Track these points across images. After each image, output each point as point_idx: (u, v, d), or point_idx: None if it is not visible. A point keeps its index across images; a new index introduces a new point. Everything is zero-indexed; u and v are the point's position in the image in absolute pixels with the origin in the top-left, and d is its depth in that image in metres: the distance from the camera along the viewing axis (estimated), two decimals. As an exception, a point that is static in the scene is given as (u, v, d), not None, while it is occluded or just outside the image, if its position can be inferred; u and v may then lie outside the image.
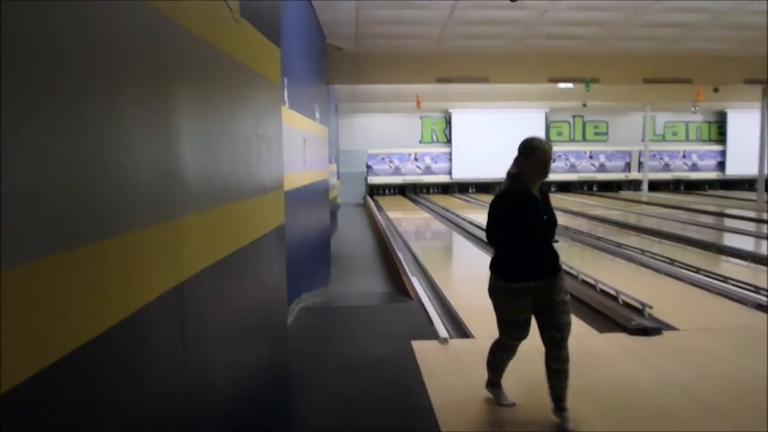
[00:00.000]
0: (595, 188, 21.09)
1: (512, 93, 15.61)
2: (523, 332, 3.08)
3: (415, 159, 20.40)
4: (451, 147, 20.27)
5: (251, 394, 2.25)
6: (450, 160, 20.28)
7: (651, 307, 5.35)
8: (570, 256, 9.00)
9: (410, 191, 20.25)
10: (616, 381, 3.93)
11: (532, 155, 3.04)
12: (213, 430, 1.76)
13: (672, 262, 7.80)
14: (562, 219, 13.11)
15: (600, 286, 6.27)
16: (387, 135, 20.19)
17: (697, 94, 13.16)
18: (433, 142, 20.45)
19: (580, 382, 3.88)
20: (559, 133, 20.95)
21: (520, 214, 2.99)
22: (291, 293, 5.27)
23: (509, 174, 3.12)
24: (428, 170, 20.44)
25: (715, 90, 14.29)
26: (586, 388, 3.73)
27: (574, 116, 20.94)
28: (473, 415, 3.39)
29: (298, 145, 5.40)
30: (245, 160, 2.11)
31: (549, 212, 3.13)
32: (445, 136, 20.39)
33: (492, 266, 3.13)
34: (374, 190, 20.03)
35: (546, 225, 3.10)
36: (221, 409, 1.86)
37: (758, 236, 11.34)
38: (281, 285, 2.87)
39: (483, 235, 11.39)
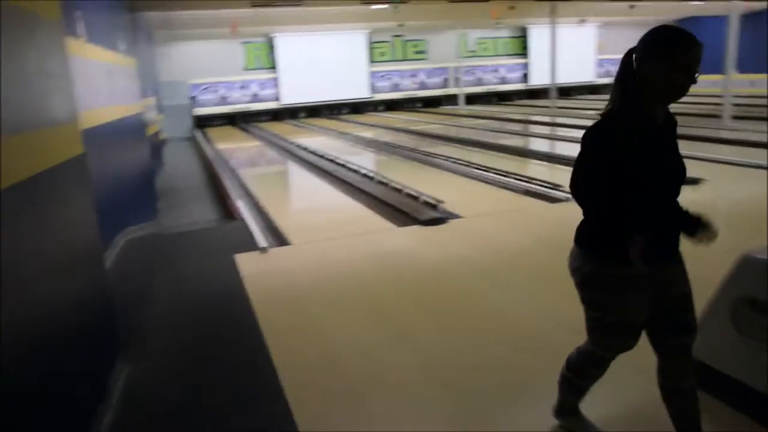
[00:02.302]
0: (418, 105, 22.42)
1: (333, 15, 15.85)
2: (637, 339, 2.07)
3: (242, 87, 20.06)
4: (277, 72, 20.18)
5: (68, 327, 2.41)
6: (277, 85, 20.24)
7: (443, 202, 6.29)
8: (388, 167, 9.87)
9: (240, 120, 20.00)
10: (413, 260, 4.80)
11: (673, 58, 1.83)
12: (28, 375, 1.95)
13: (468, 164, 8.94)
14: (387, 136, 14.15)
15: (405, 190, 7.12)
16: (210, 63, 19.51)
17: (491, 12, 14.39)
18: (258, 68, 20.18)
19: (387, 268, 4.67)
20: (382, 54, 21.72)
21: (643, 157, 1.87)
22: (111, 228, 5.40)
23: (621, 89, 1.92)
24: (256, 98, 20.25)
25: (511, 8, 15.76)
26: (393, 273, 4.53)
27: (394, 36, 21.75)
28: (291, 312, 3.97)
29: (99, 80, 5.36)
30: (22, 96, 2.25)
31: (676, 152, 1.98)
32: (270, 61, 20.19)
33: (586, 240, 2.03)
34: (202, 122, 19.48)
35: (676, 173, 1.96)
36: (35, 349, 2.01)
37: (550, 138, 13.13)
38: (88, 218, 3.02)
39: (314, 159, 11.83)
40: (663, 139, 1.95)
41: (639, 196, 1.89)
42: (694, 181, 6.90)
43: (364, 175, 8.61)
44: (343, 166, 9.68)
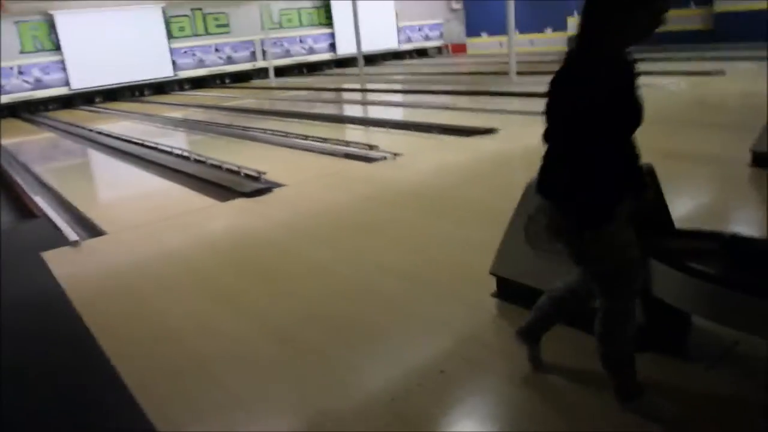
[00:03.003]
0: (227, 81, 21.65)
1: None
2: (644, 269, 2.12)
3: (20, 73, 17.69)
4: (62, 55, 18.09)
5: None
6: (64, 69, 18.17)
7: (265, 173, 6.28)
8: (204, 145, 9.52)
9: (23, 110, 17.68)
10: (239, 232, 4.76)
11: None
12: None
13: (286, 135, 8.98)
14: (198, 114, 13.55)
15: (225, 165, 6.97)
16: (-24, 48, 16.88)
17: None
18: (38, 50, 17.90)
19: (214, 243, 4.58)
20: (181, 29, 20.50)
21: (630, 98, 1.83)
22: None
23: (596, 29, 1.80)
24: (40, 84, 18.01)
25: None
26: (220, 246, 4.45)
27: (193, 9, 20.64)
28: (118, 301, 3.75)
29: None
30: None
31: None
32: (52, 42, 18.02)
33: (579, 191, 1.88)
34: (-25, 116, 16.88)
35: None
36: None
37: (362, 103, 13.56)
38: None
39: (120, 144, 10.92)
40: (635, 76, 1.87)
41: (627, 139, 1.89)
42: (490, 131, 7.68)
43: (179, 156, 8.23)
44: (154, 148, 9.13)
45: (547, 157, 1.96)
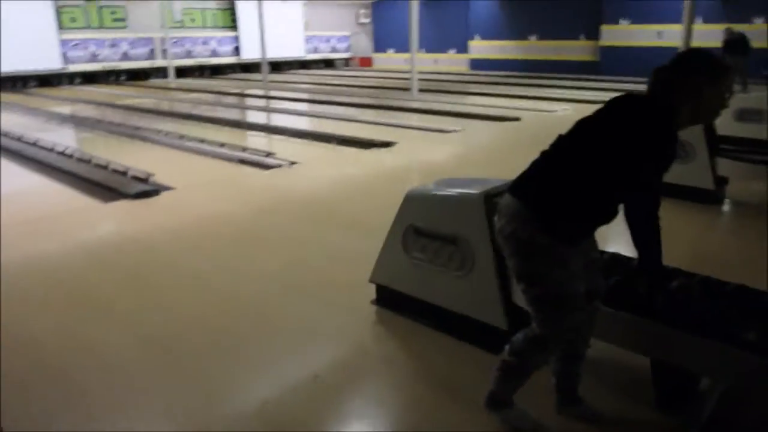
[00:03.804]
0: (123, 77, 20.60)
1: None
2: (584, 312, 2.03)
3: None
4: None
5: None
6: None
7: (153, 175, 6.05)
8: (91, 144, 9.01)
9: None
10: (118, 235, 4.55)
11: (721, 81, 1.86)
12: None
13: (181, 137, 8.70)
14: (88, 111, 12.77)
15: (111, 165, 6.64)
16: None
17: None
18: None
19: (92, 247, 4.34)
20: (73, 19, 19.28)
21: (664, 171, 1.87)
22: None
23: (673, 101, 1.86)
24: None
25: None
26: (98, 250, 4.23)
27: (87, 0, 19.50)
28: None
29: None
30: None
31: None
32: None
33: (562, 203, 1.89)
34: None
35: None
36: None
37: (264, 110, 13.37)
38: None
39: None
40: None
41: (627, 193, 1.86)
42: (388, 144, 7.86)
43: (62, 153, 7.73)
44: (34, 144, 8.52)
45: (539, 167, 1.96)
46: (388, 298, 3.10)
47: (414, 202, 2.86)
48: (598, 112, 1.90)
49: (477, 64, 22.46)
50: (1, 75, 17.78)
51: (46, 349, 2.85)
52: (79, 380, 2.58)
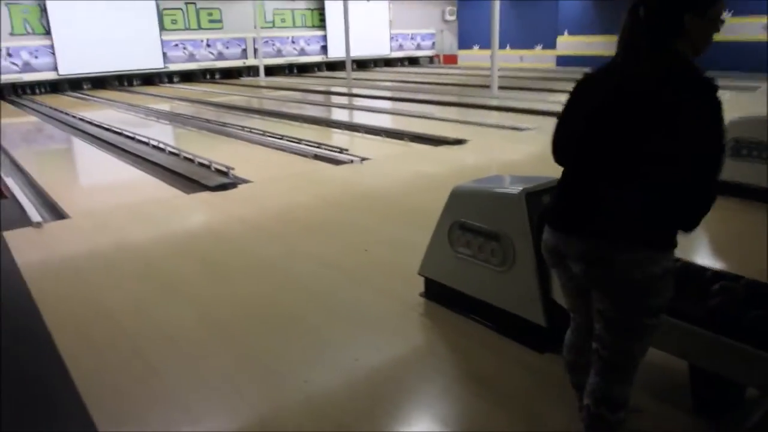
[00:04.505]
0: (217, 76, 21.77)
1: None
2: None
3: (9, 55, 17.69)
4: (52, 39, 18.12)
5: None
6: (53, 53, 18.20)
7: (233, 169, 6.43)
8: (182, 139, 9.66)
9: (10, 93, 17.68)
10: (197, 223, 4.93)
11: (712, 8, 1.59)
12: None
13: (263, 133, 9.14)
14: (183, 108, 13.64)
15: (197, 159, 7.11)
16: (-36, 27, 16.87)
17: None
18: (28, 33, 17.92)
19: (171, 234, 4.74)
20: (174, 21, 20.61)
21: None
22: None
23: (671, 50, 1.59)
24: (28, 67, 18.01)
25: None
26: (176, 237, 4.61)
27: (187, 3, 20.75)
28: (68, 283, 3.89)
29: None
30: None
31: None
32: (42, 26, 18.06)
33: (655, 230, 1.60)
34: (-39, 96, 16.86)
35: None
36: None
37: (348, 107, 13.73)
38: None
39: (99, 132, 11.05)
40: None
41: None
42: (460, 141, 7.89)
43: (155, 147, 8.35)
44: (132, 138, 9.25)
45: (591, 190, 1.66)
46: (435, 291, 3.19)
47: (459, 199, 2.94)
48: (610, 105, 1.62)
49: (564, 60, 21.82)
50: (110, 74, 19.29)
51: (121, 326, 3.16)
52: (152, 359, 2.83)
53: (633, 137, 1.57)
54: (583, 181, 1.70)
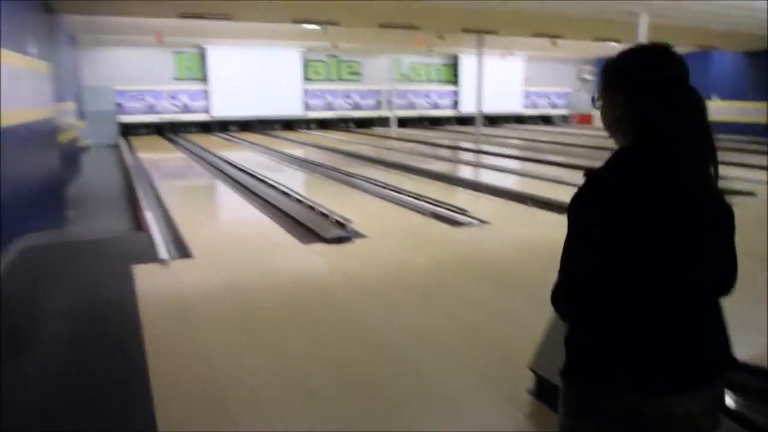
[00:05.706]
0: (351, 125, 22.70)
1: (265, 31, 15.87)
2: None
3: (171, 96, 19.71)
4: (208, 84, 19.97)
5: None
6: (207, 97, 20.03)
7: (351, 222, 6.45)
8: (308, 185, 9.99)
9: (168, 130, 19.62)
10: (306, 275, 4.95)
11: (686, 104, 1.37)
12: None
13: (385, 186, 9.18)
14: (315, 154, 14.27)
15: (318, 208, 7.25)
16: (138, 71, 19.11)
17: (415, 40, 14.93)
18: (189, 78, 19.92)
19: (279, 284, 4.77)
20: (316, 72, 21.92)
21: (652, 235, 1.28)
22: (6, 233, 5.27)
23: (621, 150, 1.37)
24: (186, 108, 19.95)
25: (440, 37, 16.31)
26: (282, 288, 4.64)
27: (329, 56, 22.01)
28: (177, 323, 4.01)
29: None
30: None
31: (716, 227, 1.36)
32: (202, 72, 19.98)
33: (580, 360, 1.40)
34: (128, 130, 18.98)
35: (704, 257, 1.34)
36: None
37: (474, 164, 13.58)
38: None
39: (235, 173, 11.85)
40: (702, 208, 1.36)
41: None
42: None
43: (282, 192, 8.68)
44: (262, 181, 9.71)
45: (703, 320, 1.37)
46: (546, 392, 2.83)
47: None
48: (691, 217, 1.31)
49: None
50: (255, 118, 20.81)
51: (211, 366, 3.16)
52: (232, 406, 2.79)
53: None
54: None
